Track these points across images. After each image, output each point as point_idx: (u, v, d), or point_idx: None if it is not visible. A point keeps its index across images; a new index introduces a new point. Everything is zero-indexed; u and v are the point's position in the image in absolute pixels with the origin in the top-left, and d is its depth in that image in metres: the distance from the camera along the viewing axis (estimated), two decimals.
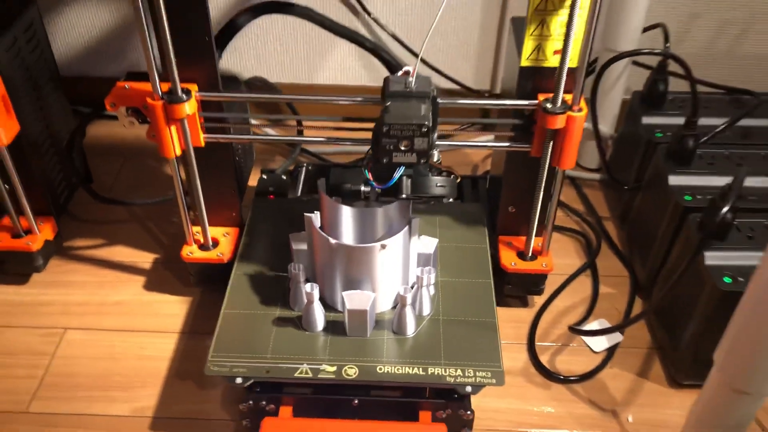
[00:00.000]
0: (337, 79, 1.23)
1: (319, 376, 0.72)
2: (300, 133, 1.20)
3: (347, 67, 1.22)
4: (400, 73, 0.73)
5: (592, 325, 0.90)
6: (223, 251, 0.88)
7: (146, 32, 0.70)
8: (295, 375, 0.72)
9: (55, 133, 0.97)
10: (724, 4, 1.11)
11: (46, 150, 0.95)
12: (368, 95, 0.78)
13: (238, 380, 0.72)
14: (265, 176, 0.99)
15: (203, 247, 0.89)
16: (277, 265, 0.84)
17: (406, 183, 0.75)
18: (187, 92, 0.76)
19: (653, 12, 1.05)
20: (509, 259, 0.88)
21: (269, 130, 1.24)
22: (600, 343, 0.87)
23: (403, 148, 0.70)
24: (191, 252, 0.88)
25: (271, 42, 1.19)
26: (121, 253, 0.99)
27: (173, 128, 0.77)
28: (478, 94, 1.22)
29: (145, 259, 0.99)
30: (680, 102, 0.99)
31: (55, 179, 0.99)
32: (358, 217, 0.74)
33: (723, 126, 0.91)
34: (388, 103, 0.70)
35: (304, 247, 0.80)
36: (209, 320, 0.82)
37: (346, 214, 0.74)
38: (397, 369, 0.73)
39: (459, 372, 0.72)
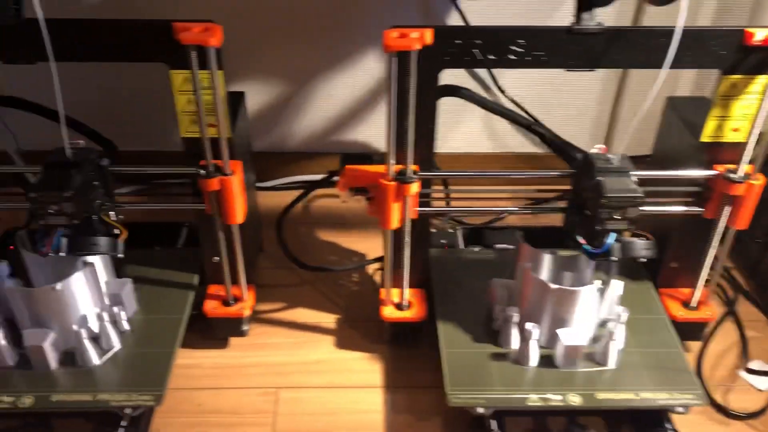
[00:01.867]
0: (461, 148, 1.35)
1: (549, 404, 0.83)
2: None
3: (472, 135, 1.33)
4: (596, 149, 0.86)
5: (753, 365, 1.00)
6: (418, 311, 0.98)
7: (393, 121, 0.81)
8: (527, 404, 0.83)
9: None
10: None
11: (258, 223, 1.05)
12: (563, 169, 0.90)
13: (480, 410, 0.83)
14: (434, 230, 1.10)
15: (399, 306, 0.98)
16: (473, 308, 0.96)
17: (615, 246, 0.86)
18: (414, 173, 0.86)
19: None
20: (676, 309, 0.98)
21: None
22: (764, 382, 0.97)
23: (617, 217, 0.82)
24: (391, 313, 0.98)
25: None
26: (304, 314, 1.08)
27: (398, 205, 0.87)
28: None
29: (327, 319, 1.07)
30: None
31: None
32: (558, 264, 0.91)
33: None
34: (601, 178, 0.82)
35: (506, 291, 0.94)
36: (405, 374, 0.97)
37: (547, 261, 0.91)
38: (613, 395, 0.84)
39: (666, 395, 0.84)
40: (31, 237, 0.90)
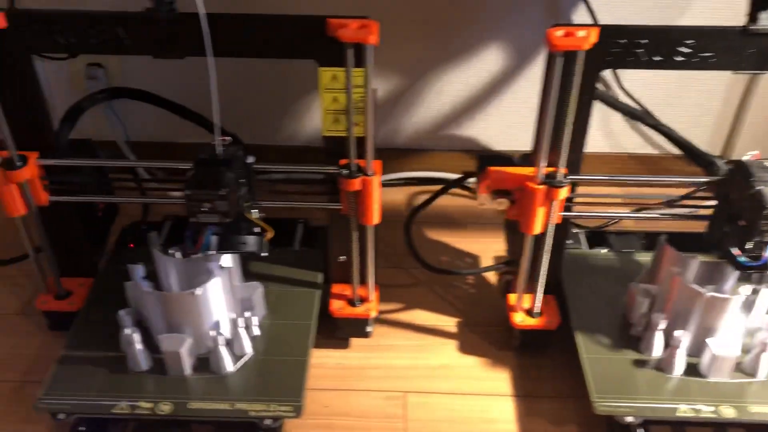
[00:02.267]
0: None
1: (701, 416, 0.81)
2: None
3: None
4: (749, 156, 0.82)
5: None
6: (551, 318, 0.95)
7: (549, 122, 0.78)
8: (677, 414, 0.81)
9: None
10: None
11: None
12: (710, 176, 0.86)
13: (629, 419, 0.81)
14: None
15: (530, 313, 0.95)
16: (607, 313, 0.94)
17: None
18: (564, 176, 0.83)
19: None
20: None
21: None
22: None
23: None
24: (523, 320, 0.95)
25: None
26: (423, 317, 1.06)
27: (544, 209, 0.84)
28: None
29: (447, 322, 1.05)
30: None
31: None
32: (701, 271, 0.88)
33: None
34: (762, 187, 0.77)
35: (646, 296, 0.90)
36: (535, 382, 0.94)
37: (693, 266, 0.88)
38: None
39: None
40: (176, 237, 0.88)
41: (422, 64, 1.22)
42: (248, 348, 0.88)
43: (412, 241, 1.03)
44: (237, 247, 0.82)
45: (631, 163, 1.31)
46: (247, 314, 0.89)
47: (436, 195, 1.01)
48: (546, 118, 0.78)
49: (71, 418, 0.82)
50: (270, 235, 0.85)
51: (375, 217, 0.87)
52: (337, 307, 0.96)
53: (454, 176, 1.30)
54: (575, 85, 0.76)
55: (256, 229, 0.85)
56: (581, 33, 0.74)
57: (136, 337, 0.84)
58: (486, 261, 1.17)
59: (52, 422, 0.86)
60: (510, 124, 1.28)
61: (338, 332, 0.99)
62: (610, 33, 0.76)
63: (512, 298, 0.97)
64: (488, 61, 1.21)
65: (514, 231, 1.00)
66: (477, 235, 1.22)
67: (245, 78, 1.23)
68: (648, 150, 1.31)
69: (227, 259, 0.87)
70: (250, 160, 0.84)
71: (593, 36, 0.74)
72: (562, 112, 0.78)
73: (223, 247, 0.82)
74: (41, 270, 0.96)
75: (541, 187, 0.82)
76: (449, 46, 1.20)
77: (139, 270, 0.87)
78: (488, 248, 1.19)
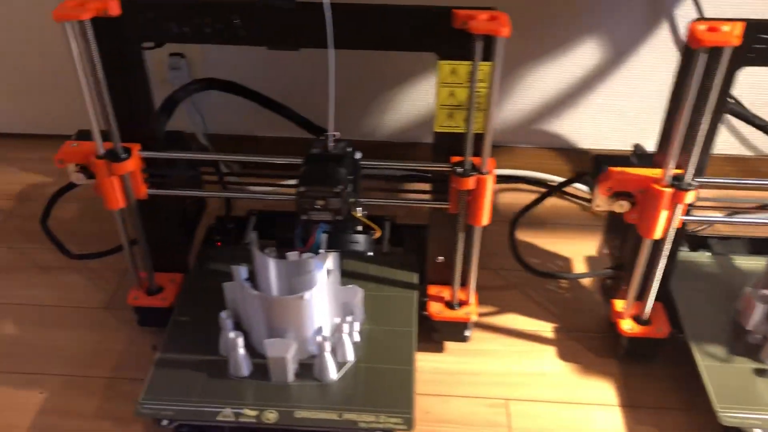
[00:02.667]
0: None
1: None
2: None
3: None
4: None
5: None
6: (661, 325, 0.90)
7: (684, 122, 0.74)
8: None
9: None
10: None
11: None
12: None
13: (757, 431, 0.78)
14: None
15: (639, 320, 0.91)
16: (719, 319, 0.90)
17: None
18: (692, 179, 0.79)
19: None
20: None
21: None
22: None
23: None
24: (631, 327, 0.91)
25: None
26: (519, 321, 1.02)
27: (667, 213, 0.80)
28: None
29: (544, 328, 1.01)
30: None
31: None
32: None
33: None
34: None
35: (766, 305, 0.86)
36: (644, 392, 0.91)
37: None
38: None
39: None
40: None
41: (514, 57, 1.18)
42: (350, 355, 0.85)
43: (516, 242, 1.00)
44: (347, 245, 0.79)
45: (724, 164, 1.26)
46: (348, 319, 0.86)
47: (546, 195, 0.97)
48: (679, 117, 0.74)
49: (172, 424, 0.80)
50: (378, 234, 0.82)
51: (485, 218, 0.83)
52: (436, 310, 0.93)
53: (537, 174, 1.27)
54: (716, 85, 0.71)
55: (359, 228, 0.82)
56: (725, 28, 0.69)
57: (240, 342, 0.81)
58: (577, 263, 1.13)
59: (149, 424, 0.84)
60: (600, 122, 1.24)
61: (436, 335, 0.95)
62: (756, 28, 0.71)
63: (619, 304, 0.93)
64: (582, 57, 1.17)
65: (617, 233, 0.96)
66: (566, 237, 1.18)
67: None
68: (741, 151, 1.26)
69: (330, 261, 0.84)
70: (358, 156, 0.81)
71: (738, 30, 0.70)
72: (699, 112, 0.74)
73: (332, 246, 0.79)
74: (134, 264, 0.93)
75: (668, 189, 0.78)
76: (545, 39, 1.15)
77: (242, 271, 0.84)
78: (578, 250, 1.15)
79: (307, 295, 0.80)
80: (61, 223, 1.12)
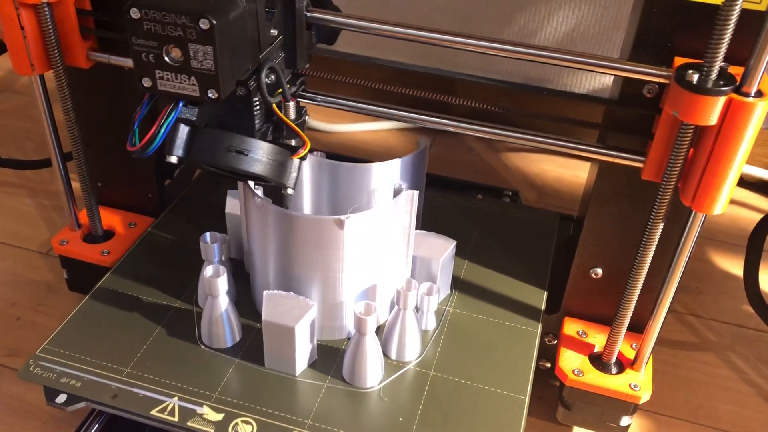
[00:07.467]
0: None
1: None
2: None
3: None
4: None
5: None
6: None
7: None
8: None
9: None
10: None
11: None
12: None
13: None
14: None
15: None
16: None
17: None
18: None
19: None
20: None
21: None
22: None
23: None
24: None
25: None
26: (715, 408, 0.56)
27: None
28: None
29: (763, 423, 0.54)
30: None
31: None
32: None
33: None
34: None
35: None
36: None
37: None
38: None
39: None
40: None
41: None
42: (414, 349, 0.49)
43: (757, 271, 0.54)
44: (234, 161, 0.40)
45: None
46: (423, 289, 0.49)
47: None
48: None
49: (73, 406, 0.44)
50: (305, 150, 0.44)
51: (723, 195, 0.39)
52: (572, 367, 0.49)
53: None
54: None
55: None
56: None
57: (222, 282, 0.47)
58: None
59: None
60: None
61: (562, 413, 0.51)
62: None
63: None
64: None
65: None
66: None
67: None
68: None
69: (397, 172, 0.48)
70: None
71: None
72: None
73: (201, 154, 0.41)
74: (68, 191, 0.55)
75: None
76: None
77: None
78: None
79: (353, 218, 0.42)
80: None
